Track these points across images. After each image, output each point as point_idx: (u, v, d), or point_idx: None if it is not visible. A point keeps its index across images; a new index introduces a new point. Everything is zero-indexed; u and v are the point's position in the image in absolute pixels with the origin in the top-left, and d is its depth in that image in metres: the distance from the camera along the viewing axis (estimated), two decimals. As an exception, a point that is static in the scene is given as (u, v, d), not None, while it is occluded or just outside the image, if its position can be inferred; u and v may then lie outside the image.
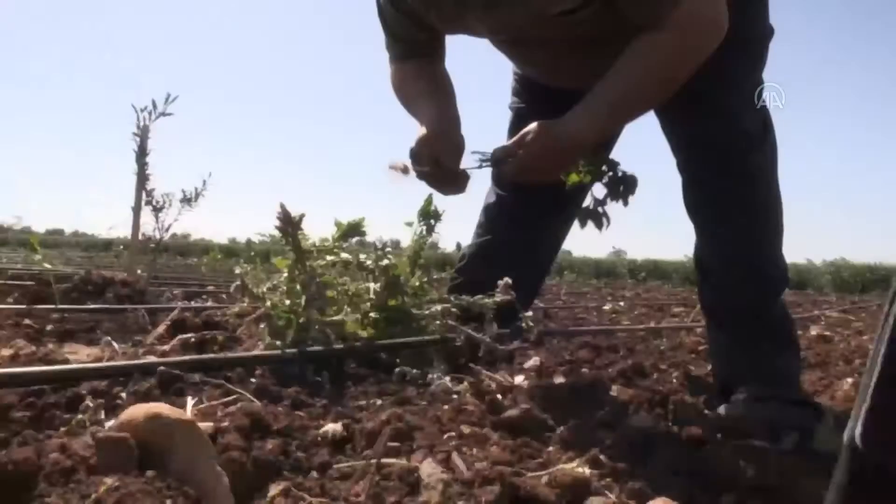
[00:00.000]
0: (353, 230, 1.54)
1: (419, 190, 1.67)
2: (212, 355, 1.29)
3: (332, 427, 0.96)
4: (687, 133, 1.64)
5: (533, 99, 1.95)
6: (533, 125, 1.48)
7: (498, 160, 1.53)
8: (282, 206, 1.38)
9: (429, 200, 1.73)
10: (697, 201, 1.64)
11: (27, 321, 2.08)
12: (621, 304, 4.47)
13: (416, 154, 1.56)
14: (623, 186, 1.57)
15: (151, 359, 1.47)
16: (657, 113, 1.70)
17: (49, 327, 2.01)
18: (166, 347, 1.70)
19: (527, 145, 1.47)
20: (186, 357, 1.26)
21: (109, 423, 0.93)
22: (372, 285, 1.54)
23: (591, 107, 1.45)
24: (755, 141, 1.57)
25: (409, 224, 1.73)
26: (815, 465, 1.08)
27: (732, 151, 1.55)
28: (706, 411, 1.40)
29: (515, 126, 2.03)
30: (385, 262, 1.55)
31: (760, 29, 1.62)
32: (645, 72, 1.42)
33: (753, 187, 1.57)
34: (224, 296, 3.70)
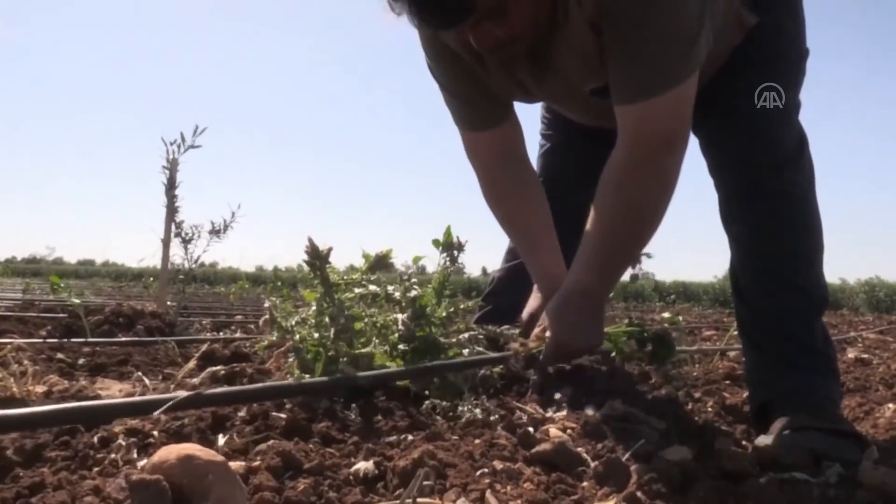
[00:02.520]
0: (380, 262, 1.54)
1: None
2: (247, 386, 1.28)
3: (364, 465, 0.95)
4: (723, 152, 1.63)
5: (561, 125, 1.98)
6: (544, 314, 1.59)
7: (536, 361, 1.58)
8: (310, 240, 1.38)
9: (448, 232, 1.73)
10: (734, 220, 1.62)
11: (60, 355, 2.11)
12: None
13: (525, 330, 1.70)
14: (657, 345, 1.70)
15: (181, 392, 1.47)
16: (696, 129, 1.69)
17: (81, 361, 2.04)
18: (196, 381, 1.71)
19: (554, 329, 1.52)
20: (219, 390, 1.25)
21: (142, 463, 0.93)
22: (399, 317, 1.53)
23: (581, 255, 1.53)
24: (791, 159, 1.55)
25: (418, 259, 1.75)
26: (859, 499, 1.05)
27: (768, 170, 1.53)
28: (744, 442, 1.37)
29: (545, 154, 2.07)
30: (412, 293, 1.54)
31: (796, 49, 1.61)
32: (615, 204, 1.48)
33: (790, 205, 1.54)
34: (253, 326, 3.73)
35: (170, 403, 1.07)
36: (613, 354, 1.71)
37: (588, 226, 1.53)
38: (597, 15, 1.35)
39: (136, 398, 1.26)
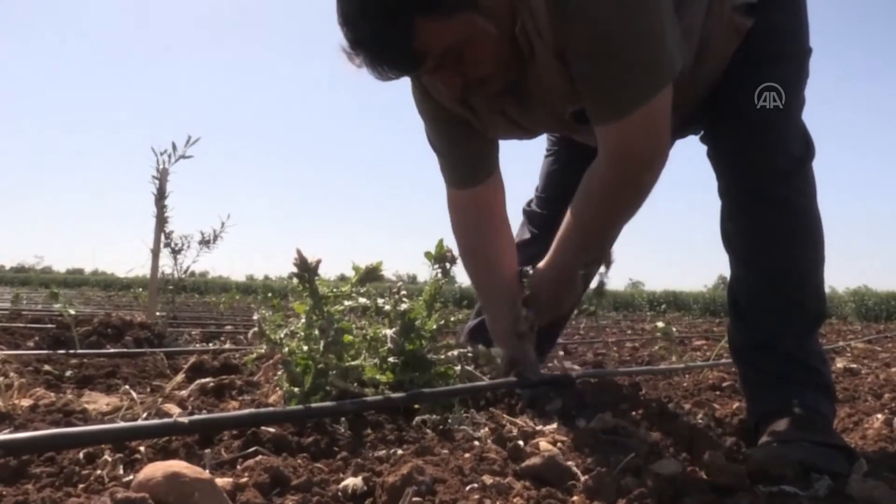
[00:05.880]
0: (370, 274, 1.53)
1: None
2: (234, 413, 1.27)
3: (353, 481, 0.94)
4: (725, 158, 1.62)
5: (568, 142, 2.03)
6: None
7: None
8: (299, 253, 1.37)
9: (440, 245, 1.73)
10: (736, 228, 1.60)
11: (47, 367, 2.09)
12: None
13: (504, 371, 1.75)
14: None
15: (170, 406, 1.46)
16: (703, 137, 1.70)
17: (68, 373, 2.02)
18: (184, 393, 1.70)
19: (535, 297, 1.69)
20: (207, 416, 1.24)
21: (128, 479, 0.92)
22: (388, 332, 1.53)
23: (560, 241, 1.65)
24: (797, 163, 1.54)
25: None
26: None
27: (774, 173, 1.52)
28: (734, 454, 1.36)
29: (549, 168, 2.11)
30: (402, 306, 1.54)
31: (796, 48, 1.61)
32: (591, 209, 1.57)
33: (792, 214, 1.53)
34: (242, 337, 3.71)
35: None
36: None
37: (566, 217, 1.62)
38: (559, 44, 1.37)
39: (127, 424, 1.25)
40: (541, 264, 1.71)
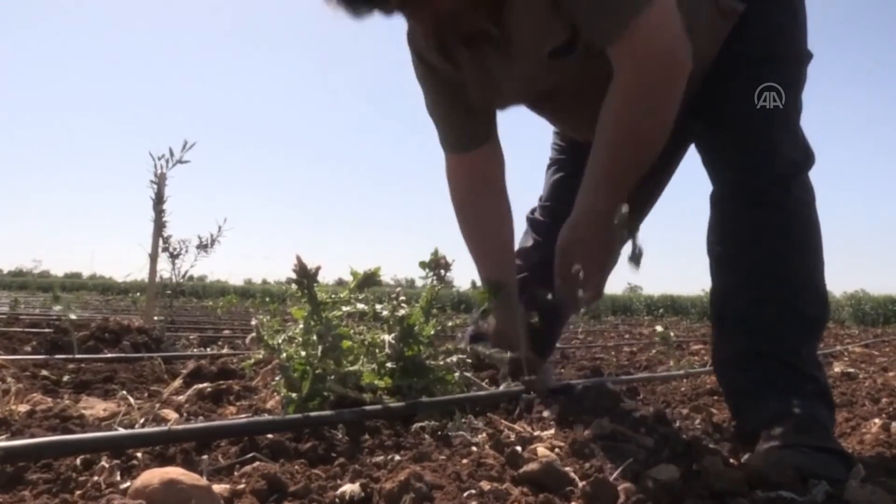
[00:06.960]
0: (369, 280, 1.53)
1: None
2: (229, 422, 1.27)
3: (350, 488, 0.94)
4: (723, 159, 1.58)
5: (573, 152, 2.04)
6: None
7: (559, 294, 1.57)
8: (298, 259, 1.38)
9: (435, 252, 1.73)
10: (727, 234, 1.55)
11: (44, 372, 2.08)
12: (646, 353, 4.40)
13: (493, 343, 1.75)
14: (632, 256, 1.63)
15: (167, 411, 1.46)
16: (698, 143, 1.67)
17: (66, 378, 2.02)
18: (182, 398, 1.69)
19: (563, 250, 1.51)
20: (202, 425, 1.24)
21: (125, 486, 0.92)
22: (387, 337, 1.53)
23: (588, 179, 1.50)
24: (795, 169, 1.51)
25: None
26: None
27: (772, 179, 1.49)
28: (731, 460, 1.36)
29: (553, 177, 2.12)
30: (400, 312, 1.54)
31: (795, 49, 1.58)
32: (617, 124, 1.44)
33: (789, 218, 1.49)
34: (240, 342, 3.71)
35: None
36: None
37: (591, 155, 1.48)
38: None
39: (125, 432, 1.24)
40: (568, 220, 1.52)
